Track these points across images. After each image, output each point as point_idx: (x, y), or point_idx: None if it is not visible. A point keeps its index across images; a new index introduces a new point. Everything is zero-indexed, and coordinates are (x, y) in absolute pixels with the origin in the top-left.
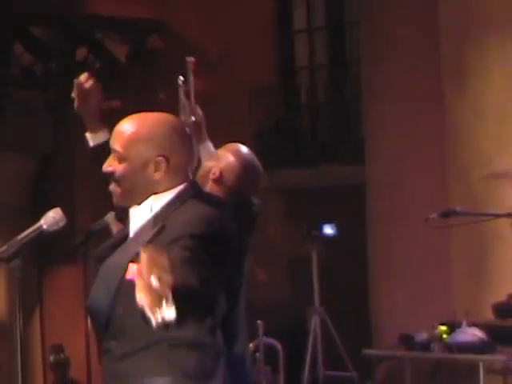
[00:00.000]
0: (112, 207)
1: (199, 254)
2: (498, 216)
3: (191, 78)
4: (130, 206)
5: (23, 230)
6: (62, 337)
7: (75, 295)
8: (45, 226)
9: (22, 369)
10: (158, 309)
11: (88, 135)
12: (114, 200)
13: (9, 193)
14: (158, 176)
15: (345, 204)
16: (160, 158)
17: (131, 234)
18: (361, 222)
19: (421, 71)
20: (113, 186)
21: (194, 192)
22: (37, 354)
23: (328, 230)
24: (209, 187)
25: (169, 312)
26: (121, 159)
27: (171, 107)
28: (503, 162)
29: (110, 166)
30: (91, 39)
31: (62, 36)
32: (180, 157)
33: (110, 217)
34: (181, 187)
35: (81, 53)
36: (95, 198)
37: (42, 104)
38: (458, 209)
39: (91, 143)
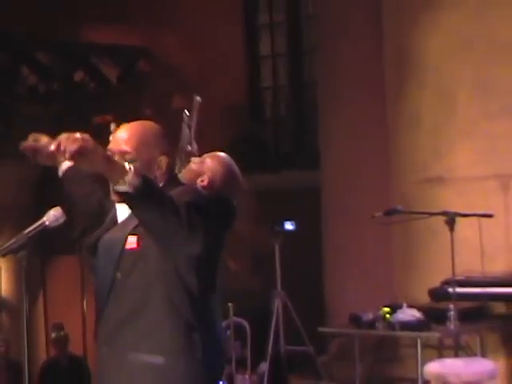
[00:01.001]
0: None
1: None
2: (431, 214)
3: (195, 114)
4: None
5: (28, 227)
6: (62, 316)
7: (73, 281)
8: (47, 223)
9: (28, 344)
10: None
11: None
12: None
13: (15, 195)
14: (158, 173)
15: (303, 204)
16: (162, 157)
17: (121, 219)
18: (316, 220)
19: (367, 92)
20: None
21: (175, 183)
22: (41, 331)
23: (288, 225)
24: None
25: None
26: (130, 160)
27: (155, 121)
28: (436, 169)
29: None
30: (87, 63)
31: (62, 60)
32: (172, 157)
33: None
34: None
35: (78, 75)
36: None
37: (45, 117)
38: (399, 208)
39: (60, 174)
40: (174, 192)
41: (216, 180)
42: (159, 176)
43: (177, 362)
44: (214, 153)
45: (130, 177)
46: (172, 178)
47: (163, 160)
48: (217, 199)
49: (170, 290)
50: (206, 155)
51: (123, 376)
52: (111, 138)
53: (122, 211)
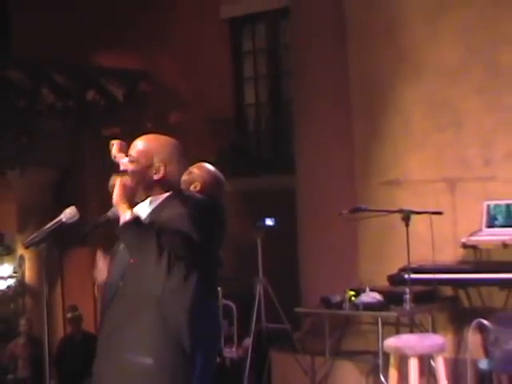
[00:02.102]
0: (113, 205)
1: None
2: (390, 212)
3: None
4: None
5: (48, 223)
6: (76, 299)
7: (86, 269)
8: (64, 220)
9: (47, 323)
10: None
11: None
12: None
13: (37, 197)
14: (156, 177)
15: (281, 203)
16: (160, 164)
17: None
18: (292, 216)
19: (335, 108)
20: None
21: (180, 196)
22: (58, 311)
23: (269, 222)
24: None
25: None
26: (133, 161)
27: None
28: (394, 173)
29: (124, 166)
30: (97, 84)
31: (76, 81)
32: (174, 167)
33: (111, 212)
34: (171, 193)
35: (90, 94)
36: (100, 199)
37: (62, 131)
38: (362, 207)
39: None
40: (174, 205)
41: (205, 184)
42: (159, 179)
43: (165, 363)
44: (198, 164)
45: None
46: (174, 188)
47: (161, 167)
48: (209, 203)
49: (165, 303)
50: (191, 167)
51: (115, 373)
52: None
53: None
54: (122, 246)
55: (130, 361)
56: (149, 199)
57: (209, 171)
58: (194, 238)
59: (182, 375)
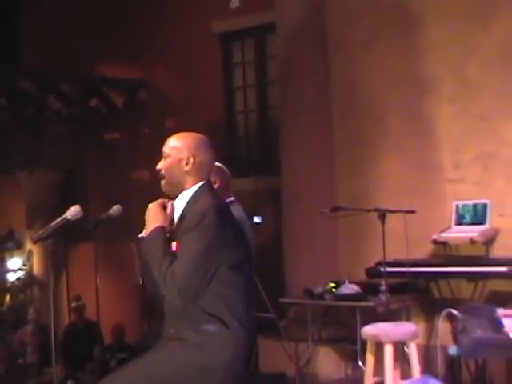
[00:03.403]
0: (114, 204)
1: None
2: (367, 210)
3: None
4: (172, 195)
5: (54, 220)
6: (80, 290)
7: (89, 263)
8: (69, 217)
9: (54, 311)
10: None
11: None
12: (164, 190)
13: (44, 196)
14: (187, 168)
15: (268, 202)
16: (189, 155)
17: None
18: (278, 214)
19: (318, 115)
20: (162, 182)
21: (208, 188)
22: (64, 301)
23: (256, 219)
24: None
25: None
26: (166, 157)
27: (152, 138)
28: (372, 175)
29: (160, 165)
30: (100, 92)
31: (80, 90)
32: (202, 158)
33: (112, 210)
34: (200, 183)
35: (93, 102)
36: (102, 198)
37: (67, 136)
38: (342, 206)
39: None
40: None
41: (222, 182)
42: (189, 170)
43: (221, 330)
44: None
45: None
46: (209, 185)
47: (191, 159)
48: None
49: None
50: None
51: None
52: None
53: (177, 207)
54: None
55: (199, 330)
56: (182, 194)
57: (222, 169)
58: (198, 277)
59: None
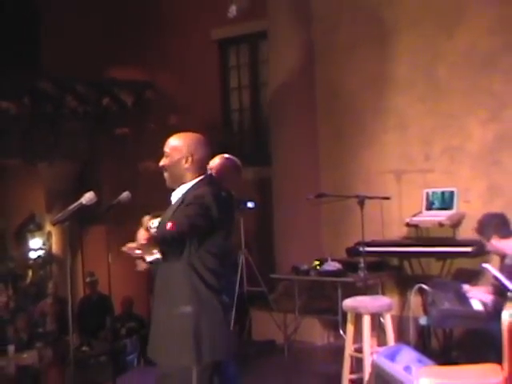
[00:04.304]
0: (123, 190)
1: (195, 209)
2: (348, 197)
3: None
4: (174, 187)
5: (71, 205)
6: (93, 267)
7: (101, 243)
8: (84, 202)
9: (70, 285)
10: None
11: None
12: (167, 183)
13: (62, 184)
14: (186, 165)
15: (260, 189)
16: (187, 154)
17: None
18: (269, 200)
19: (304, 113)
20: (165, 175)
21: (208, 181)
22: (79, 276)
23: (250, 204)
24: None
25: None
26: (167, 156)
27: (157, 133)
28: (351, 166)
29: (162, 162)
30: (111, 92)
31: (94, 91)
32: (200, 155)
33: (121, 196)
34: (199, 178)
35: (105, 101)
36: (113, 185)
37: (82, 131)
38: (326, 193)
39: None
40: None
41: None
42: (188, 167)
43: (199, 310)
44: (220, 155)
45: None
46: (208, 176)
47: (189, 158)
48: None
49: (193, 261)
50: (216, 157)
51: (166, 320)
52: None
53: (174, 198)
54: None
55: (176, 311)
56: (181, 186)
57: (230, 163)
58: (198, 224)
59: (215, 310)
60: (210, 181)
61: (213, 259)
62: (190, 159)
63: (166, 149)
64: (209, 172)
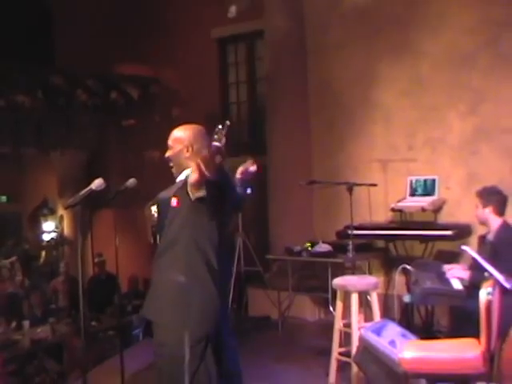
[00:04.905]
0: (130, 177)
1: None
2: (338, 184)
3: (224, 135)
4: (177, 175)
5: (81, 191)
6: (102, 248)
7: (109, 225)
8: (93, 188)
9: (81, 265)
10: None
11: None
12: (174, 174)
13: (74, 171)
14: (187, 155)
15: (257, 176)
16: (188, 145)
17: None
18: (265, 187)
19: (297, 106)
20: (171, 166)
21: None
22: (89, 257)
23: (247, 190)
24: None
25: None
26: (171, 148)
27: (161, 124)
28: (341, 156)
29: (167, 154)
30: (118, 87)
31: (103, 85)
32: (200, 145)
33: (128, 183)
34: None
35: (113, 94)
36: (120, 173)
37: (92, 122)
38: (317, 179)
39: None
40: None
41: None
42: (189, 157)
43: (194, 284)
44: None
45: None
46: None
47: (189, 148)
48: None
49: (195, 235)
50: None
51: (162, 286)
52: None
53: (179, 180)
54: (165, 197)
55: (169, 278)
56: (184, 172)
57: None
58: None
59: (208, 284)
60: None
61: (217, 236)
62: (190, 149)
63: (169, 141)
64: None
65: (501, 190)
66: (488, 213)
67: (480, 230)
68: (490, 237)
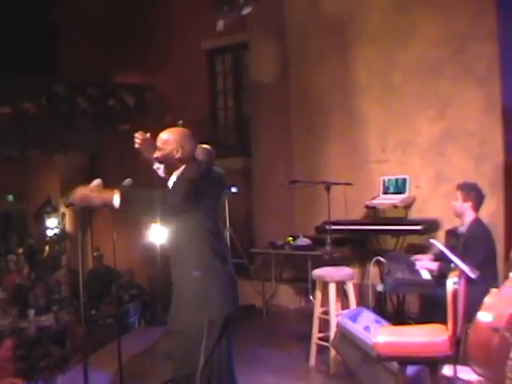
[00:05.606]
0: (126, 177)
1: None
2: (317, 183)
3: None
4: (168, 177)
5: None
6: (101, 243)
7: (108, 222)
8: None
9: (81, 259)
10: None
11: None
12: (163, 174)
13: (74, 172)
14: (177, 156)
15: (242, 177)
16: (177, 146)
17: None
18: (250, 186)
19: (279, 111)
20: (158, 167)
21: (192, 165)
22: (88, 251)
23: (233, 189)
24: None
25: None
26: (160, 149)
27: (155, 129)
28: (319, 157)
29: (156, 154)
30: (116, 94)
31: (101, 93)
32: (188, 147)
33: (125, 182)
34: (185, 164)
35: (111, 101)
36: (118, 173)
37: (92, 127)
38: (298, 179)
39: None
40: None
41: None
42: (179, 157)
43: (210, 270)
44: (199, 145)
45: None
46: (193, 161)
47: (179, 149)
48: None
49: (195, 232)
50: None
51: (180, 280)
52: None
53: (171, 182)
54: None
55: (186, 273)
56: (174, 174)
57: (203, 151)
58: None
59: (223, 274)
60: (195, 164)
61: (211, 223)
62: (180, 150)
63: (159, 143)
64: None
65: (481, 189)
66: (467, 207)
67: (447, 225)
68: (463, 229)
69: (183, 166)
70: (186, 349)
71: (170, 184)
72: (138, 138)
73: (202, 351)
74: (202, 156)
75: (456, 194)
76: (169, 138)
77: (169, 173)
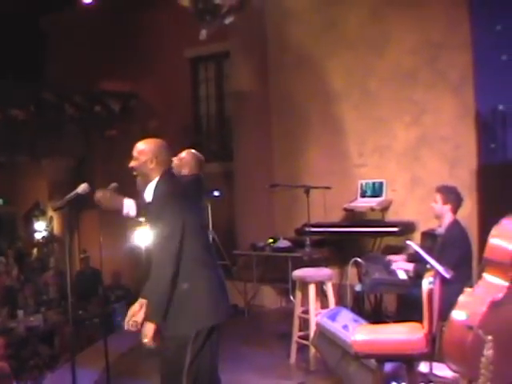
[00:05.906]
0: (112, 182)
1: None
2: (297, 187)
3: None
4: (143, 188)
5: (69, 194)
6: (88, 245)
7: (94, 225)
8: (79, 192)
9: (68, 261)
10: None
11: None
12: (138, 185)
13: (62, 176)
14: (151, 166)
15: (224, 181)
16: (152, 157)
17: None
18: (232, 190)
19: (260, 115)
20: (137, 177)
21: (166, 176)
22: (75, 253)
23: (216, 193)
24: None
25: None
26: (135, 159)
27: (140, 135)
28: (300, 161)
29: (131, 164)
30: (102, 101)
31: (88, 100)
32: (162, 157)
33: (111, 186)
34: (159, 175)
35: (97, 107)
36: (104, 177)
37: (78, 133)
38: (279, 183)
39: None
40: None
41: (191, 167)
42: (153, 167)
43: (198, 281)
44: (187, 150)
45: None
46: (167, 172)
47: (154, 160)
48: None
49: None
50: (182, 153)
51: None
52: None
53: (148, 195)
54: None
55: (174, 286)
56: (149, 185)
57: (193, 156)
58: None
59: (210, 282)
60: (169, 175)
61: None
62: (154, 160)
63: (134, 152)
64: (171, 165)
65: (460, 192)
66: (446, 209)
67: (423, 227)
68: (441, 230)
69: (157, 178)
70: (175, 349)
71: (148, 196)
72: (98, 200)
73: (188, 352)
74: (192, 161)
75: (435, 196)
76: (144, 148)
77: (144, 183)
